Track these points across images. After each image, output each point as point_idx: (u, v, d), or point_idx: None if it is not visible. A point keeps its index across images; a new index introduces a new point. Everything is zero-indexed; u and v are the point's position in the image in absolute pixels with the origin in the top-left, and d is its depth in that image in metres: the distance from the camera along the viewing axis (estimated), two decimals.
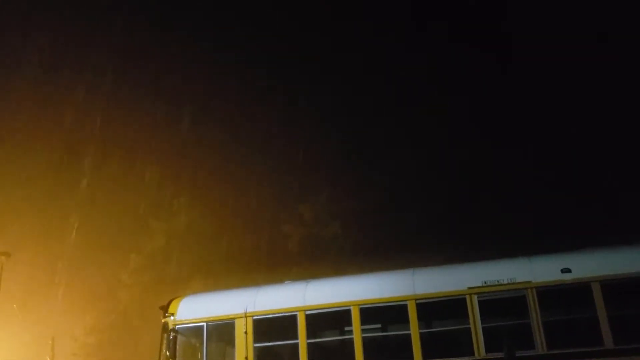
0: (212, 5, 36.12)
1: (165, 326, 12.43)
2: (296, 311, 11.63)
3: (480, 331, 10.56)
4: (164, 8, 35.94)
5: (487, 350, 10.45)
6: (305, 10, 33.19)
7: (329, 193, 28.67)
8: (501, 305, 10.87)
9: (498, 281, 10.80)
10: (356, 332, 11.16)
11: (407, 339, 10.86)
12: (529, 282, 10.65)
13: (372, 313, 11.31)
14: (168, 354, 12.09)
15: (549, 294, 10.53)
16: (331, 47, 32.16)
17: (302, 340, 11.43)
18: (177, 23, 35.80)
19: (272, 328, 11.93)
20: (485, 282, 10.85)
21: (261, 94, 33.46)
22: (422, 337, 10.83)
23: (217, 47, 34.43)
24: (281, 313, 11.80)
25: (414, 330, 10.85)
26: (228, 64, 33.89)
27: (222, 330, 12.20)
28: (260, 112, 32.93)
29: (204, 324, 12.18)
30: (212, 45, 34.75)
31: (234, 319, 11.98)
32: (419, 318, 10.95)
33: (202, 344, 12.18)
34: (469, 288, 10.86)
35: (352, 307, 11.30)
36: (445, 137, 27.87)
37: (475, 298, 10.78)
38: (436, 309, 11.08)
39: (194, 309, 12.47)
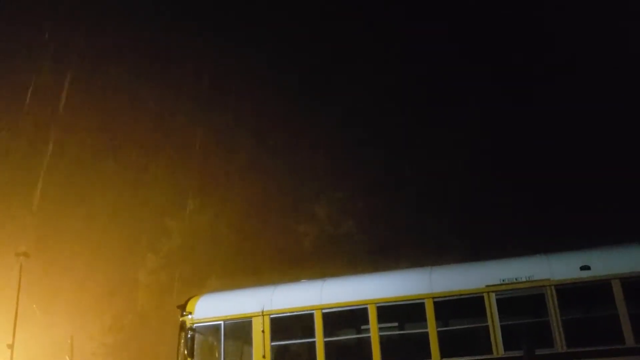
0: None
1: (183, 325, 12.50)
2: (313, 310, 11.63)
3: (498, 329, 10.48)
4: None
5: (506, 349, 10.37)
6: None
7: (345, 192, 28.67)
8: (520, 303, 10.79)
9: (516, 279, 10.72)
10: (373, 331, 11.14)
11: (425, 337, 10.81)
12: (548, 279, 10.55)
13: (389, 311, 11.27)
14: (186, 352, 12.15)
15: (568, 291, 10.42)
16: (351, 45, 32.13)
17: (319, 339, 11.43)
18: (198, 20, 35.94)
19: (289, 326, 11.95)
20: (503, 280, 10.76)
21: (276, 92, 33.52)
22: (440, 335, 10.78)
23: (238, 45, 34.54)
24: (298, 312, 11.81)
25: (432, 329, 10.80)
26: (247, 63, 34.00)
27: (240, 329, 12.24)
28: (278, 112, 33.01)
29: (222, 322, 12.22)
30: (231, 44, 34.87)
31: (251, 317, 12.01)
32: (437, 316, 10.89)
33: (219, 342, 12.24)
34: (487, 286, 10.78)
35: (369, 306, 11.27)
36: (461, 135, 27.73)
37: (493, 296, 10.70)
38: (454, 308, 11.02)
39: (212, 308, 12.52)
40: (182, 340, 12.37)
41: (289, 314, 11.87)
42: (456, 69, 29.77)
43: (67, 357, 26.93)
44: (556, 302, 10.36)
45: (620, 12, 26.25)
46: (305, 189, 30.45)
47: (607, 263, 10.42)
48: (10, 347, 25.41)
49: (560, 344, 10.14)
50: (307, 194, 30.14)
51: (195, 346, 12.16)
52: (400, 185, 27.59)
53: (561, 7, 27.46)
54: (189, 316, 12.43)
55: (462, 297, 10.91)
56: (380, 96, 30.81)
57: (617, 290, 10.12)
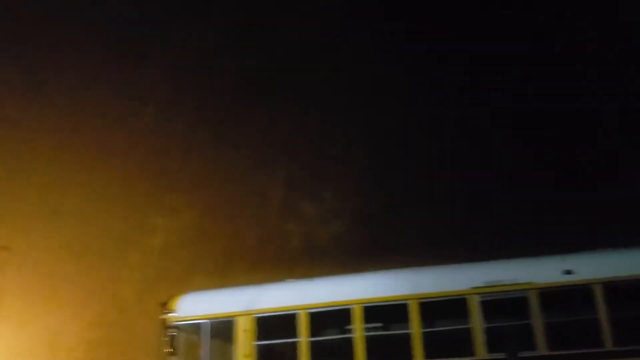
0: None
1: (165, 323, 12.45)
2: (298, 310, 11.64)
3: (481, 331, 10.58)
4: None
5: (489, 351, 10.47)
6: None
7: (332, 192, 28.68)
8: (503, 306, 10.90)
9: (500, 282, 10.83)
10: (358, 331, 11.18)
11: (409, 338, 10.88)
12: (531, 283, 10.67)
13: (374, 312, 11.33)
14: (168, 351, 12.10)
15: (551, 295, 10.56)
16: (339, 48, 32.11)
17: (303, 339, 11.45)
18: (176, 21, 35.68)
19: (273, 326, 11.94)
20: (487, 283, 10.87)
21: (263, 90, 33.40)
22: (424, 336, 10.85)
23: (217, 45, 34.36)
24: (283, 311, 11.82)
25: (416, 330, 10.87)
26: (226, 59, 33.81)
27: (223, 328, 12.22)
28: (262, 109, 32.90)
29: (205, 321, 12.20)
30: (208, 44, 34.63)
31: (235, 316, 11.99)
32: (421, 318, 10.97)
33: (202, 341, 12.20)
34: (471, 288, 10.88)
35: (354, 306, 11.32)
36: (447, 136, 27.85)
37: (476, 298, 10.80)
38: (438, 309, 11.10)
39: (195, 306, 12.49)
40: (165, 339, 12.32)
41: (273, 314, 11.88)
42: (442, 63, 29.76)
43: (46, 353, 26.66)
44: (539, 305, 10.48)
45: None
46: (292, 188, 30.42)
47: (590, 267, 10.57)
48: None
49: (542, 347, 10.26)
50: (295, 193, 30.11)
51: (177, 344, 12.12)
52: (389, 187, 27.66)
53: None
54: (172, 314, 12.39)
55: (447, 298, 10.99)
56: (368, 95, 30.82)
57: (599, 294, 10.28)
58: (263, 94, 32.24)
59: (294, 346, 11.57)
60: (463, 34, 28.16)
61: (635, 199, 22.31)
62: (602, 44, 26.03)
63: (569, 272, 10.58)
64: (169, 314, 12.47)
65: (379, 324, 11.62)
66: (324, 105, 31.04)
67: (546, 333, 10.30)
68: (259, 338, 11.76)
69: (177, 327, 12.24)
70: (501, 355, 10.34)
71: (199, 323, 12.25)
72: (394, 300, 11.21)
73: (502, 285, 10.77)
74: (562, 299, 10.72)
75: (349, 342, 11.31)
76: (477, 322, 10.65)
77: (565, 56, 26.98)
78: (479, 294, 10.81)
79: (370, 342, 11.15)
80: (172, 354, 12.10)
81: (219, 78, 33.05)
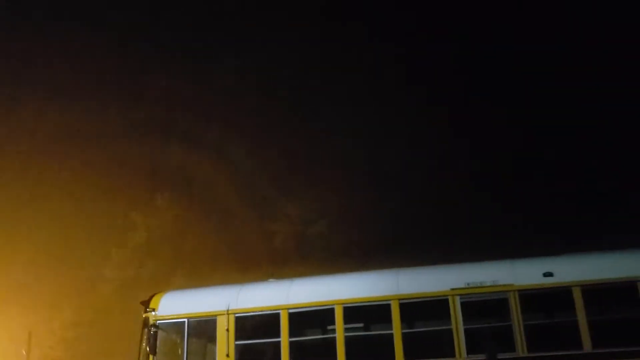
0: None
1: (146, 321, 12.33)
2: (279, 309, 11.60)
3: (462, 333, 10.61)
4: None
5: (469, 352, 10.51)
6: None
7: (315, 192, 28.68)
8: (483, 308, 10.95)
9: (481, 283, 10.87)
10: (339, 332, 11.15)
11: (390, 338, 10.87)
12: (512, 285, 10.72)
13: (355, 312, 11.31)
14: (148, 349, 11.99)
15: (531, 297, 10.62)
16: (321, 47, 32.08)
17: (284, 339, 11.39)
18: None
19: (255, 326, 11.89)
20: (468, 284, 10.90)
21: (243, 89, 33.25)
22: (405, 337, 10.86)
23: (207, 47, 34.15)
24: (264, 311, 11.77)
25: (397, 330, 10.88)
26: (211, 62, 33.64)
27: (204, 327, 12.14)
28: (247, 108, 32.81)
29: (186, 320, 12.09)
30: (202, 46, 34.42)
31: (215, 315, 11.90)
32: (402, 318, 10.97)
33: (183, 340, 12.09)
34: (452, 289, 10.91)
35: (335, 306, 11.30)
36: (430, 137, 27.98)
37: (457, 299, 10.83)
38: (419, 310, 11.11)
39: (176, 305, 12.38)
40: (145, 337, 12.20)
41: (254, 313, 11.82)
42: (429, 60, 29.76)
43: (23, 352, 26.33)
44: (519, 307, 10.54)
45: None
46: (276, 187, 30.38)
47: (570, 270, 10.65)
48: None
49: (521, 348, 10.32)
50: (279, 192, 30.08)
51: (157, 343, 12.00)
52: (372, 187, 27.72)
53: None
54: (153, 312, 12.26)
55: (428, 299, 11.01)
56: (353, 93, 30.80)
57: (578, 297, 10.37)
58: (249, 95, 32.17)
59: (274, 346, 11.52)
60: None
61: (615, 203, 22.59)
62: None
63: (549, 275, 10.66)
64: (150, 313, 12.35)
65: (360, 325, 11.62)
66: (305, 106, 31.04)
67: (526, 335, 10.36)
68: (240, 337, 11.70)
69: (157, 326, 12.12)
70: (481, 356, 10.39)
71: (179, 322, 12.15)
72: (375, 301, 11.20)
73: (483, 287, 10.82)
74: (542, 301, 10.80)
75: (329, 343, 11.29)
76: (457, 323, 10.69)
77: None
78: (459, 295, 10.85)
79: (351, 342, 11.14)
80: (152, 352, 11.98)
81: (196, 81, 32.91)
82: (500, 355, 10.29)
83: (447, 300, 10.85)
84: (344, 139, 30.00)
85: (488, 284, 10.82)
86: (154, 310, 12.30)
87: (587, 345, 10.08)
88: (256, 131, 32.22)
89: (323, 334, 11.89)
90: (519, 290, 10.63)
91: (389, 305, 11.04)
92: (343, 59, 31.29)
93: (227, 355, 11.58)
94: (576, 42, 27.27)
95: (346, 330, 11.17)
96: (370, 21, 31.31)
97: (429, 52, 29.53)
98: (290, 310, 11.52)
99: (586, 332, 10.13)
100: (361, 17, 31.37)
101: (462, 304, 10.80)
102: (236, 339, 11.68)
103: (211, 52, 33.33)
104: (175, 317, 12.17)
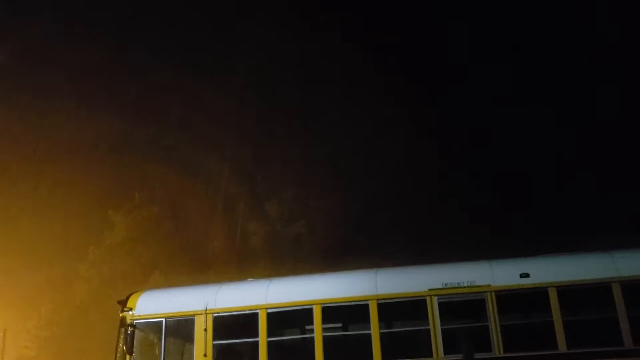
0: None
1: (123, 321, 12.21)
2: (257, 309, 11.57)
3: (439, 333, 10.70)
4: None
5: (446, 352, 10.60)
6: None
7: (294, 191, 28.66)
8: (460, 308, 11.04)
9: (458, 284, 10.96)
10: (317, 331, 11.16)
11: (368, 338, 10.92)
12: (489, 285, 10.83)
13: (333, 312, 11.33)
14: (125, 349, 11.88)
15: (508, 297, 10.74)
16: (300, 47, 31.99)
17: (262, 339, 11.37)
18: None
19: (233, 326, 11.85)
20: (445, 284, 10.99)
21: (224, 89, 33.05)
22: (382, 337, 10.91)
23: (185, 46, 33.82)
24: (242, 311, 11.73)
25: (375, 330, 10.92)
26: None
27: (182, 327, 12.05)
28: (227, 109, 32.62)
29: (163, 319, 12.01)
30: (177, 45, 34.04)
31: (193, 315, 11.84)
32: (380, 318, 11.02)
33: (160, 339, 12.02)
34: (430, 290, 10.98)
35: (314, 306, 11.30)
36: (410, 137, 28.07)
37: (435, 300, 10.91)
38: (397, 310, 11.18)
39: (154, 304, 12.28)
40: (122, 337, 12.09)
41: (232, 313, 11.77)
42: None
43: None
44: (496, 307, 10.65)
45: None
46: (256, 187, 30.28)
47: (546, 271, 10.80)
48: None
49: (497, 349, 10.43)
50: (258, 192, 29.98)
51: (135, 343, 11.91)
52: (350, 188, 27.75)
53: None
54: (130, 312, 12.17)
55: (405, 299, 11.07)
56: (336, 93, 30.76)
57: (553, 297, 10.51)
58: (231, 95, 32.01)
59: (253, 346, 11.49)
60: None
61: (593, 206, 22.89)
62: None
63: (525, 276, 10.79)
64: (127, 312, 12.24)
65: (339, 325, 11.64)
66: (283, 106, 30.96)
67: (502, 335, 10.47)
68: (218, 337, 11.65)
69: (134, 326, 12.02)
70: (458, 356, 10.47)
71: (157, 321, 12.06)
72: (353, 301, 11.24)
73: (460, 287, 10.91)
74: (519, 302, 10.92)
75: (308, 342, 11.30)
76: (435, 324, 10.76)
77: None
78: (437, 295, 10.92)
79: (329, 342, 11.15)
80: (129, 352, 11.87)
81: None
82: (477, 355, 10.39)
83: (424, 300, 10.93)
84: (327, 140, 29.98)
85: (465, 284, 10.93)
86: (131, 309, 12.19)
87: (562, 346, 10.22)
88: (235, 131, 32.06)
89: (301, 334, 11.90)
90: (495, 291, 10.75)
91: (367, 306, 11.08)
92: (323, 62, 31.30)
93: (205, 355, 11.52)
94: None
95: (324, 330, 11.18)
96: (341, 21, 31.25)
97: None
98: (269, 310, 11.51)
99: (561, 333, 10.28)
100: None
101: (439, 304, 10.89)
102: (214, 338, 11.63)
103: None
104: (152, 316, 12.08)
